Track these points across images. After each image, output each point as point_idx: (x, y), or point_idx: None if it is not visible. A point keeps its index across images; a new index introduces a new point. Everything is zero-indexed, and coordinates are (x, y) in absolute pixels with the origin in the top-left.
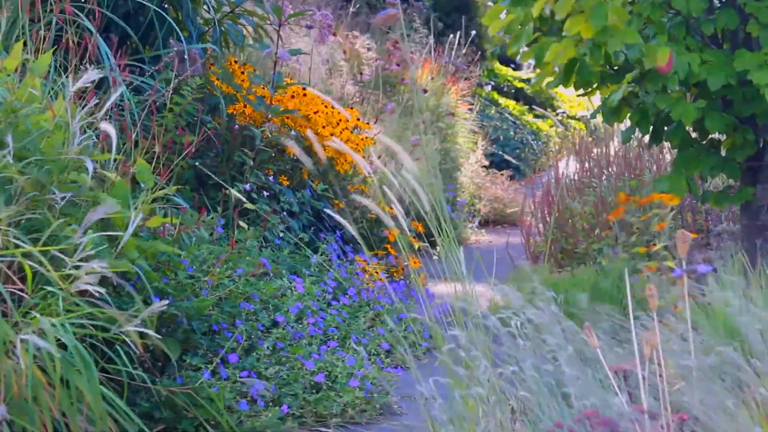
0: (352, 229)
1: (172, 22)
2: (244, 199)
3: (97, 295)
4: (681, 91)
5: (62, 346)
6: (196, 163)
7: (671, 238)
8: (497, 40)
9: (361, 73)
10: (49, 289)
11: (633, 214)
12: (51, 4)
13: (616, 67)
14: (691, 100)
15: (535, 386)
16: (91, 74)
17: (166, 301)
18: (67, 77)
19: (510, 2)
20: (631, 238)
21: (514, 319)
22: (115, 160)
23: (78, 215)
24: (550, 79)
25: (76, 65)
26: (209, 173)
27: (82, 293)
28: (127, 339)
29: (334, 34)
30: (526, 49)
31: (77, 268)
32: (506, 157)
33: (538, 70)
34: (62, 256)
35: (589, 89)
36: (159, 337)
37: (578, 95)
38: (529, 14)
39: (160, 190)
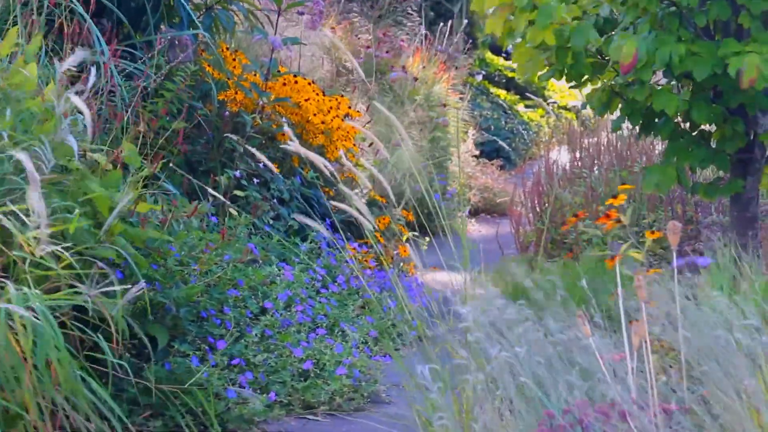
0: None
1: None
2: (239, 172)
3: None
4: (668, 83)
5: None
6: (187, 149)
7: (659, 230)
8: (489, 31)
9: (357, 57)
10: (16, 254)
11: (590, 225)
12: None
13: (607, 58)
14: (682, 91)
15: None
16: (78, 54)
17: (143, 285)
18: (59, 62)
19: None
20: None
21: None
22: (104, 144)
23: (66, 196)
24: (542, 72)
25: (68, 50)
26: (198, 159)
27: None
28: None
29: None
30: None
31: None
32: (499, 143)
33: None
34: (27, 220)
35: (582, 82)
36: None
37: (570, 87)
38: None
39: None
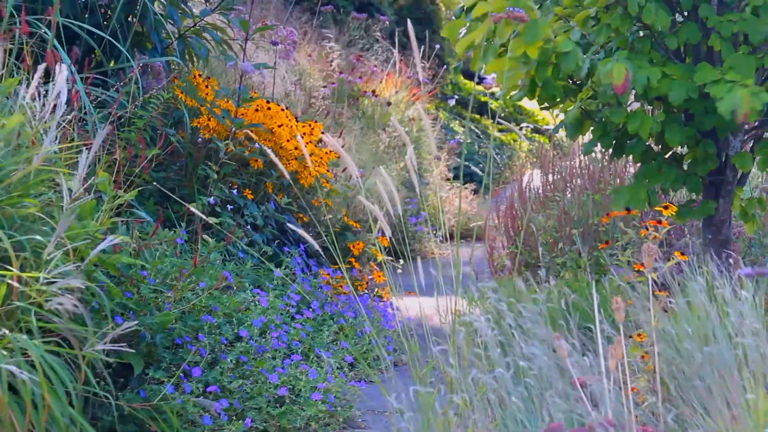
0: (316, 244)
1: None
2: (204, 216)
3: (70, 311)
4: (641, 106)
5: (30, 364)
6: (160, 177)
7: (635, 251)
8: (461, 53)
9: (325, 86)
10: (19, 305)
11: (629, 226)
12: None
13: (578, 81)
14: (654, 113)
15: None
16: (60, 84)
17: (134, 322)
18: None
19: (472, 19)
20: (595, 253)
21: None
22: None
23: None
24: (515, 92)
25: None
26: (171, 187)
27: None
28: (94, 356)
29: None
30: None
31: (50, 284)
32: (473, 168)
33: (501, 84)
34: (29, 274)
35: (554, 103)
36: (126, 349)
37: (542, 108)
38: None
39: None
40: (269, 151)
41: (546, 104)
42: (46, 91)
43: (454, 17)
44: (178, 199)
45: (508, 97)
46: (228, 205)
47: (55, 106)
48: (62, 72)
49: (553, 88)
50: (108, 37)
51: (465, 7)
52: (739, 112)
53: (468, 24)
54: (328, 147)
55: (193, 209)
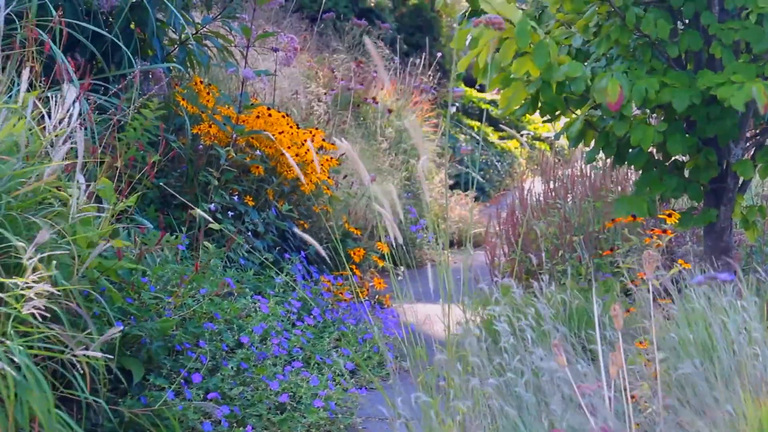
0: (321, 249)
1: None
2: (210, 219)
3: (48, 315)
4: (643, 114)
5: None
6: (160, 183)
7: (637, 258)
8: (462, 69)
9: (325, 93)
10: (2, 310)
11: (633, 233)
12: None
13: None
14: (655, 121)
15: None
16: (70, 93)
17: (119, 328)
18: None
19: (473, 36)
20: (596, 260)
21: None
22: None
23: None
24: (516, 107)
25: (40, 85)
26: (173, 193)
27: (44, 316)
28: (80, 361)
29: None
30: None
31: (30, 288)
32: (473, 174)
33: (504, 107)
34: (14, 278)
35: (555, 116)
36: (108, 356)
37: (544, 121)
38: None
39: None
40: (287, 154)
41: (548, 116)
42: (47, 96)
43: (455, 24)
44: (179, 204)
45: (509, 114)
46: (229, 212)
47: (65, 119)
48: (70, 92)
49: (556, 102)
50: (112, 37)
51: (467, 13)
52: (760, 105)
53: (471, 31)
54: (329, 155)
55: (199, 211)
